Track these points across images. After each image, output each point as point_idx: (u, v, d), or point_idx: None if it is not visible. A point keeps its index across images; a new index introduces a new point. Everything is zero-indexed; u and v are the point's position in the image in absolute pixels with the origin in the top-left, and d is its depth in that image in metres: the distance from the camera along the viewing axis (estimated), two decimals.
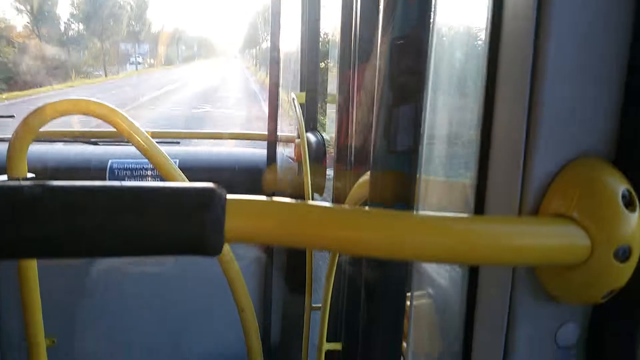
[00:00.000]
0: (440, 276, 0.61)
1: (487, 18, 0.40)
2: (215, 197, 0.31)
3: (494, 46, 0.39)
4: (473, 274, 0.47)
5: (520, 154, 0.36)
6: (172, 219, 0.30)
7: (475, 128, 0.40)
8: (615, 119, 0.37)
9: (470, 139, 0.41)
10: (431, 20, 0.46)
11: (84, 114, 0.87)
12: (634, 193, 0.34)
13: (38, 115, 0.83)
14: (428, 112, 0.48)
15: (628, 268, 0.34)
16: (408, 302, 0.67)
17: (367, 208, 0.41)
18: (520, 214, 0.37)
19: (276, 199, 0.33)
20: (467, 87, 0.47)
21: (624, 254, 0.34)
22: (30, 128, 0.83)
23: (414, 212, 0.33)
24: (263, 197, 0.33)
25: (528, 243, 0.34)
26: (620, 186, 0.34)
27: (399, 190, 0.51)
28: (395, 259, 0.34)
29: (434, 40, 0.48)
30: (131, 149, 1.88)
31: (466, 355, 0.50)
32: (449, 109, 0.52)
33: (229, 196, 0.32)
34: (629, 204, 0.34)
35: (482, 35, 0.40)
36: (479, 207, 0.41)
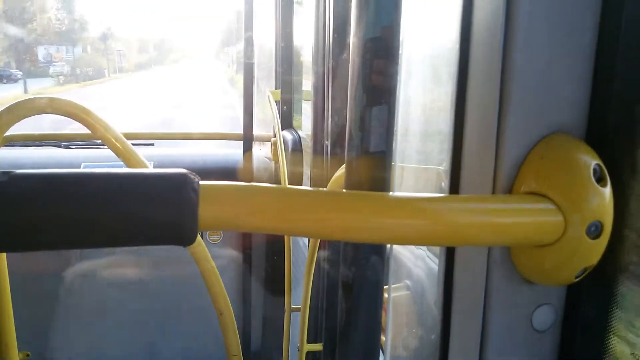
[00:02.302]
0: (417, 268, 0.61)
1: None
2: (188, 183, 0.30)
3: (465, 26, 0.39)
4: (449, 261, 0.47)
5: (493, 133, 0.36)
6: (144, 205, 0.29)
7: (448, 111, 0.40)
8: (585, 96, 0.37)
9: (443, 122, 0.41)
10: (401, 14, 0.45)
11: (58, 113, 0.84)
12: (604, 168, 0.35)
13: (7, 113, 0.80)
14: (402, 95, 0.48)
15: (600, 245, 0.35)
16: (386, 295, 0.67)
17: (343, 190, 0.40)
18: (494, 193, 0.37)
19: (251, 184, 0.32)
20: (440, 69, 0.47)
21: (595, 230, 0.34)
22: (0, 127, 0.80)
23: (390, 193, 0.33)
24: (238, 183, 0.32)
25: (502, 221, 0.34)
26: (591, 161, 0.34)
27: (374, 183, 0.50)
28: (371, 241, 0.34)
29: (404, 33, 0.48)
30: (104, 152, 1.84)
31: (444, 343, 0.49)
32: (422, 91, 0.52)
33: (203, 182, 0.31)
34: (600, 179, 0.34)
35: (453, 16, 0.40)
36: (454, 187, 0.41)
